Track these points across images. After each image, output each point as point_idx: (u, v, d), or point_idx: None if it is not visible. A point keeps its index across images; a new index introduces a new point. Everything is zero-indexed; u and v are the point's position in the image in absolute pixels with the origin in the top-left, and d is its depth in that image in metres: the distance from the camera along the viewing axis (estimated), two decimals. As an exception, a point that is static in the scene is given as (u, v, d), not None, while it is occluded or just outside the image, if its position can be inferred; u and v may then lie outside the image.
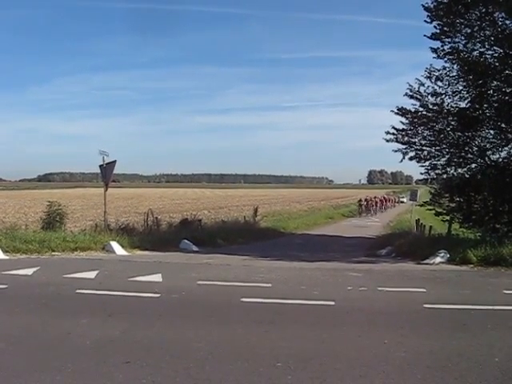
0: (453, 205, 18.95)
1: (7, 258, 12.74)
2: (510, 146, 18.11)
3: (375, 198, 57.54)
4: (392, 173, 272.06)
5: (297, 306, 7.87)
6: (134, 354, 5.44)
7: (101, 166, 17.25)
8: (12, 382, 4.71)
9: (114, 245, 14.58)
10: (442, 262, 12.96)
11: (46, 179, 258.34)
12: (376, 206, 55.60)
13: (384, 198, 64.20)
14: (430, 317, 7.40)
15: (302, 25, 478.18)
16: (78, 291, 8.60)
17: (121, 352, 5.54)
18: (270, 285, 9.49)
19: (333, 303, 7.99)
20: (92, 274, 10.28)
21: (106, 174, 17.43)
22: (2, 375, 4.85)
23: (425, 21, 18.10)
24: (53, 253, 13.61)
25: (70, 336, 6.17)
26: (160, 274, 10.28)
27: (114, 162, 17.42)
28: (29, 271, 10.45)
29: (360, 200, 53.84)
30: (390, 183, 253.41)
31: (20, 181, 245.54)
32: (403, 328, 6.66)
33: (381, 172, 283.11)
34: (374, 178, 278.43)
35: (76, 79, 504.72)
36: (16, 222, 18.54)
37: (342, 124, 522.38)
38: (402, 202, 79.60)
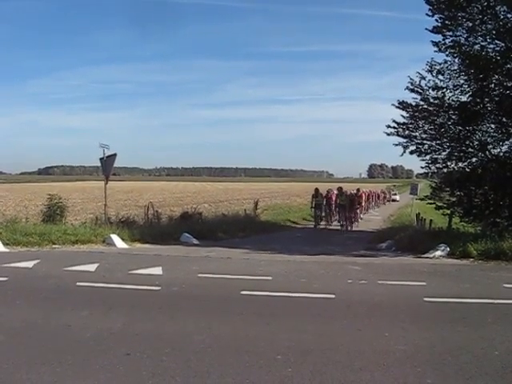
0: (453, 199, 18.90)
1: (8, 250, 12.76)
2: (510, 140, 18.03)
3: (338, 192, 27.56)
4: (393, 167, 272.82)
5: (297, 298, 7.88)
6: (135, 347, 5.45)
7: (101, 159, 17.22)
8: (12, 374, 4.71)
9: (115, 238, 14.58)
10: (443, 256, 12.97)
11: (46, 172, 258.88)
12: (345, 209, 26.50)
13: (359, 193, 32.67)
14: (430, 310, 7.41)
15: (303, 18, 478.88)
16: (78, 284, 8.61)
17: (121, 344, 5.56)
18: (270, 278, 9.50)
19: (333, 296, 7.99)
20: (92, 267, 10.28)
21: (107, 167, 17.42)
22: (2, 367, 4.86)
23: (426, 14, 18.02)
24: (53, 246, 13.62)
25: (71, 328, 6.18)
26: (160, 267, 10.28)
27: (115, 155, 17.41)
28: (29, 264, 10.46)
29: (315, 194, 26.98)
30: (390, 177, 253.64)
31: (20, 174, 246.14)
32: (403, 321, 6.67)
33: (381, 166, 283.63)
34: (375, 171, 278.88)
35: (76, 72, 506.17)
36: (16, 215, 18.48)
37: (343, 118, 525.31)
38: (395, 200, 65.58)
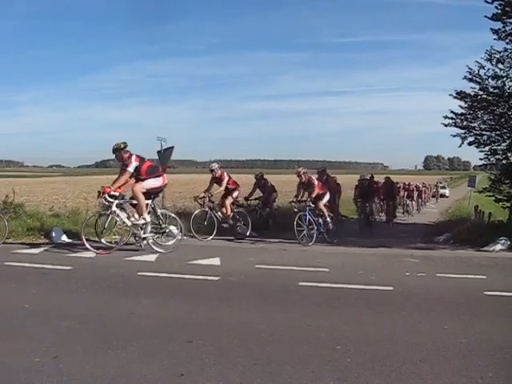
0: (514, 191, 18.41)
1: (70, 241, 13.11)
2: None
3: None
4: (449, 158, 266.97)
5: (355, 290, 7.88)
6: (196, 335, 5.58)
7: (159, 152, 17.45)
8: (81, 359, 4.91)
9: (173, 229, 14.77)
10: (503, 250, 12.67)
11: (103, 165, 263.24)
12: None
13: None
14: (491, 304, 7.28)
15: (355, 8, 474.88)
16: (139, 273, 8.84)
17: (183, 332, 5.70)
18: (327, 269, 9.52)
19: (391, 288, 7.96)
20: (152, 257, 10.57)
21: (164, 160, 17.63)
22: (71, 352, 5.06)
23: (485, 1, 17.50)
24: (113, 236, 13.91)
25: (134, 316, 6.37)
26: (218, 258, 10.45)
27: (172, 147, 17.58)
28: (92, 254, 10.86)
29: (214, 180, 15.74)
30: (447, 169, 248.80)
31: (78, 167, 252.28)
32: (463, 314, 6.59)
33: (437, 158, 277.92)
34: (431, 163, 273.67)
35: (130, 67, 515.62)
36: (77, 207, 18.96)
37: (397, 109, 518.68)
38: (444, 195, 56.56)
